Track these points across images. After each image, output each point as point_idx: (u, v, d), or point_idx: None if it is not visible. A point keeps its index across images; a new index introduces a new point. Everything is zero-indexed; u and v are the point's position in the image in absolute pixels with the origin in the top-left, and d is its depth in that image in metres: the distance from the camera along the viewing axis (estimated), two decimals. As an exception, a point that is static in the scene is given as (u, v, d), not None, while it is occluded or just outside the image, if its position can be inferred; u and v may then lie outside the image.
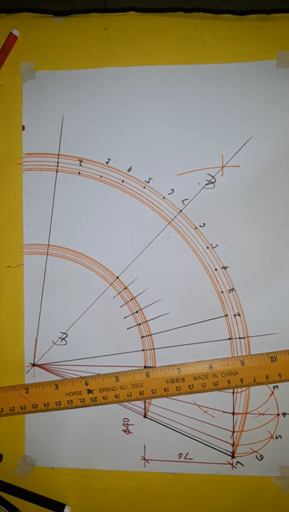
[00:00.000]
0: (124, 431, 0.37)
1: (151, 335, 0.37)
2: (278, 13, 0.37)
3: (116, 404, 0.37)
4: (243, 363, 0.35)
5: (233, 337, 0.36)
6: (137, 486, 0.37)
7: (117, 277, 0.37)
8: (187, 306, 0.37)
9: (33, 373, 0.38)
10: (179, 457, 0.37)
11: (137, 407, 0.37)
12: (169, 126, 0.37)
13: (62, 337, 0.38)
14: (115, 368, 0.37)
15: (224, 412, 0.37)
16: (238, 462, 0.37)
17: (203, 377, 0.35)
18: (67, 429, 0.38)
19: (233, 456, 0.37)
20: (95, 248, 0.38)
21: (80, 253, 0.38)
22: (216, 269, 0.37)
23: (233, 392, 0.36)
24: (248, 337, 0.36)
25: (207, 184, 0.37)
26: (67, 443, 0.38)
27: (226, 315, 0.36)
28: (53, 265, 0.38)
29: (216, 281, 0.37)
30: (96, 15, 0.38)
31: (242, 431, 0.36)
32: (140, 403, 0.37)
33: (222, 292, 0.36)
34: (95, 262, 0.38)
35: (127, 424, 0.37)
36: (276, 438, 0.36)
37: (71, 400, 0.36)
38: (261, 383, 0.35)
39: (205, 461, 0.37)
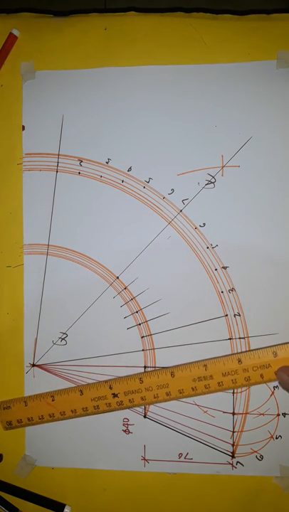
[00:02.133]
0: (124, 431, 0.37)
1: (151, 335, 0.37)
2: (278, 13, 0.37)
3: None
4: (275, 355, 0.33)
5: (233, 337, 0.36)
6: (137, 486, 0.37)
7: (117, 277, 0.37)
8: (187, 306, 0.37)
9: (33, 373, 0.38)
10: (179, 457, 0.37)
11: (137, 407, 0.37)
12: (169, 126, 0.37)
13: (62, 337, 0.38)
14: (115, 368, 0.37)
15: (224, 412, 0.37)
16: (238, 462, 0.37)
17: (233, 373, 0.34)
18: (67, 429, 0.38)
19: (233, 456, 0.37)
20: (95, 248, 0.38)
21: (80, 253, 0.38)
22: (216, 269, 0.37)
23: (233, 393, 0.36)
24: (248, 337, 0.36)
25: (207, 184, 0.37)
26: (67, 443, 0.38)
27: (226, 315, 0.36)
28: (53, 265, 0.38)
29: (216, 281, 0.37)
30: (96, 15, 0.38)
31: (242, 431, 0.36)
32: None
33: (222, 292, 0.36)
34: (95, 262, 0.38)
35: (127, 424, 0.37)
36: (276, 438, 0.36)
37: (97, 405, 0.35)
38: None
39: (205, 461, 0.37)
